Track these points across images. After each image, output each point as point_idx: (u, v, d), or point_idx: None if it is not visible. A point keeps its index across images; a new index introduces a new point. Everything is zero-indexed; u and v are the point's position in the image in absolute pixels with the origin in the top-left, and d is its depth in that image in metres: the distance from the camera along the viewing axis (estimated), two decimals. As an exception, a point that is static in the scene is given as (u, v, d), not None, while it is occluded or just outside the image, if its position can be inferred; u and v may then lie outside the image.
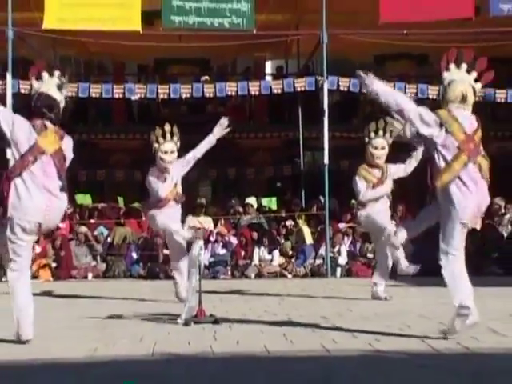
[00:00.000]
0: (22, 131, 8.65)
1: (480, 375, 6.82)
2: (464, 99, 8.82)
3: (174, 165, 13.58)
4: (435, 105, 26.85)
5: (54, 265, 21.92)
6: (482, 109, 25.19)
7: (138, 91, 23.42)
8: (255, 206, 24.10)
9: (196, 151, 13.50)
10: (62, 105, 9.07)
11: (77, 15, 21.46)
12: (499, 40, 24.87)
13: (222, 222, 22.58)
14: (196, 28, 22.41)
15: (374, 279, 14.23)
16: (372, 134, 14.47)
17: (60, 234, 22.40)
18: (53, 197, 8.52)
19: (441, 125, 8.59)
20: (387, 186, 14.26)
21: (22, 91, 22.29)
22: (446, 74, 9.03)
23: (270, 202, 25.36)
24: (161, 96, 23.34)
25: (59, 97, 9.06)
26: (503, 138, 27.61)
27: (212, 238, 21.82)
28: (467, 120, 8.75)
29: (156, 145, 13.77)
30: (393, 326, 9.90)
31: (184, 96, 23.36)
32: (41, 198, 8.46)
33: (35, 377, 6.91)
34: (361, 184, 14.27)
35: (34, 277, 21.22)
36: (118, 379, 6.74)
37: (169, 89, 23.01)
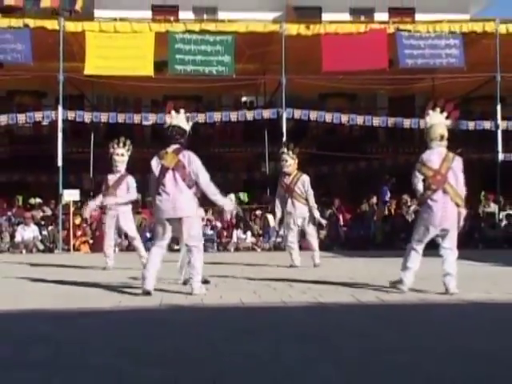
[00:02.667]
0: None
1: (391, 317, 6.85)
2: (442, 138, 8.89)
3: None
4: (363, 129, 26.77)
5: (91, 241, 21.82)
6: (395, 132, 25.65)
7: (150, 118, 23.38)
8: (234, 199, 24.06)
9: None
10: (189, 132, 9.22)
11: (108, 64, 21.43)
12: (405, 83, 25.05)
13: (211, 211, 22.47)
14: (192, 74, 22.48)
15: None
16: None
17: (94, 219, 22.30)
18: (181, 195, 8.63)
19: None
20: None
21: (69, 118, 22.25)
22: (427, 119, 9.10)
23: (244, 196, 25.42)
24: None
25: (188, 127, 9.29)
26: (408, 152, 27.74)
27: (203, 223, 21.78)
28: (439, 156, 8.82)
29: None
30: (330, 285, 9.92)
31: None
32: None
33: (74, 320, 6.88)
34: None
35: (77, 249, 21.18)
36: (136, 322, 6.73)
37: (173, 117, 23.00)
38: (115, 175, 13.77)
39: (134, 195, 13.90)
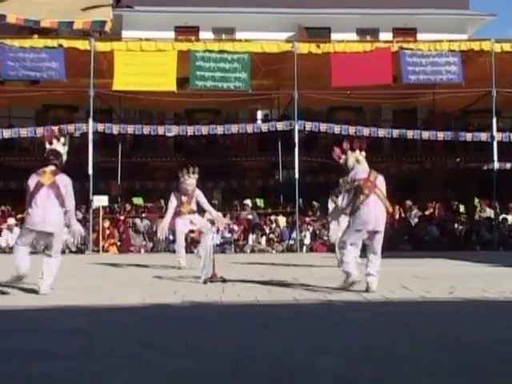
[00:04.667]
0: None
1: (394, 314, 6.87)
2: (358, 161, 9.22)
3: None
4: (369, 140, 26.94)
5: (118, 243, 21.91)
6: (399, 143, 25.63)
7: (173, 130, 23.42)
8: (250, 205, 24.06)
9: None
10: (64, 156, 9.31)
11: (134, 81, 21.49)
12: (408, 98, 25.05)
13: (228, 215, 22.48)
14: (212, 89, 22.49)
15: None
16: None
17: (121, 223, 22.42)
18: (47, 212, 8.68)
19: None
20: None
21: (98, 130, 22.36)
22: (341, 161, 9.44)
23: (260, 202, 25.38)
24: (189, 133, 23.36)
25: (63, 151, 9.33)
26: (411, 161, 27.77)
27: (223, 227, 21.82)
28: (365, 171, 9.14)
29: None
30: (338, 284, 9.92)
31: (204, 133, 23.37)
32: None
33: (104, 315, 6.94)
34: None
35: (106, 251, 21.27)
36: (160, 318, 6.77)
37: (194, 128, 23.10)
38: (186, 196, 13.77)
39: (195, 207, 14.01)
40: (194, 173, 13.78)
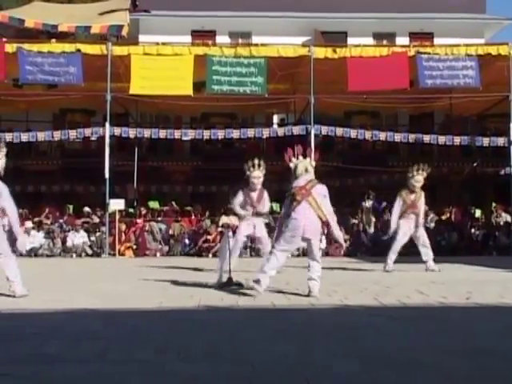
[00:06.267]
0: None
1: (411, 319, 6.84)
2: (306, 171, 9.24)
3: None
4: (385, 144, 26.60)
5: (134, 247, 21.96)
6: (416, 147, 25.51)
7: (190, 134, 23.50)
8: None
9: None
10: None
11: (151, 85, 21.53)
12: (424, 102, 24.99)
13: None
14: (228, 93, 22.54)
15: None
16: (415, 172, 14.13)
17: (138, 227, 22.48)
18: None
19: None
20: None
21: (115, 134, 22.44)
22: (294, 160, 9.47)
23: (276, 207, 25.33)
24: (205, 137, 23.40)
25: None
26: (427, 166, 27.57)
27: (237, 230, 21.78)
28: (305, 180, 9.09)
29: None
30: (355, 288, 9.91)
31: (220, 137, 23.38)
32: None
33: (120, 319, 6.95)
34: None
35: (122, 254, 21.33)
36: (176, 322, 6.78)
37: (210, 132, 23.14)
38: (255, 192, 13.34)
39: (267, 208, 13.61)
40: (259, 165, 13.06)
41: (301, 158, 9.43)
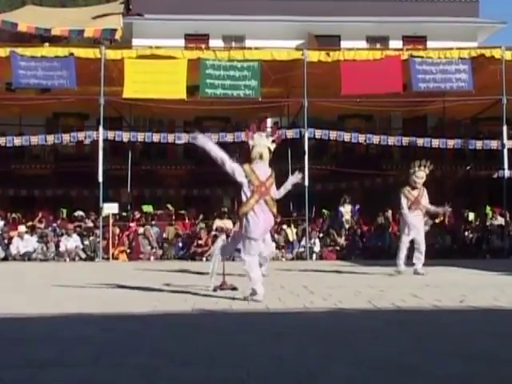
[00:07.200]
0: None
1: (405, 323, 6.84)
2: (261, 157, 8.93)
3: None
4: (379, 148, 26.70)
5: (128, 250, 21.92)
6: (409, 150, 25.55)
7: (183, 138, 23.47)
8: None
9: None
10: None
11: (144, 89, 21.50)
12: (417, 105, 25.04)
13: (238, 223, 22.50)
14: (222, 97, 22.53)
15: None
16: (416, 168, 14.01)
17: (131, 231, 22.45)
18: None
19: (246, 176, 8.74)
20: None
21: (109, 138, 22.42)
22: (250, 142, 9.13)
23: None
24: (198, 141, 23.38)
25: None
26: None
27: (231, 234, 21.77)
28: (263, 172, 8.86)
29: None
30: (350, 292, 9.90)
31: (214, 141, 23.34)
32: None
33: (115, 323, 6.93)
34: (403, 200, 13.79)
35: (115, 258, 21.29)
36: (170, 326, 6.76)
37: (204, 136, 23.10)
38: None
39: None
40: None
41: (262, 135, 9.21)
